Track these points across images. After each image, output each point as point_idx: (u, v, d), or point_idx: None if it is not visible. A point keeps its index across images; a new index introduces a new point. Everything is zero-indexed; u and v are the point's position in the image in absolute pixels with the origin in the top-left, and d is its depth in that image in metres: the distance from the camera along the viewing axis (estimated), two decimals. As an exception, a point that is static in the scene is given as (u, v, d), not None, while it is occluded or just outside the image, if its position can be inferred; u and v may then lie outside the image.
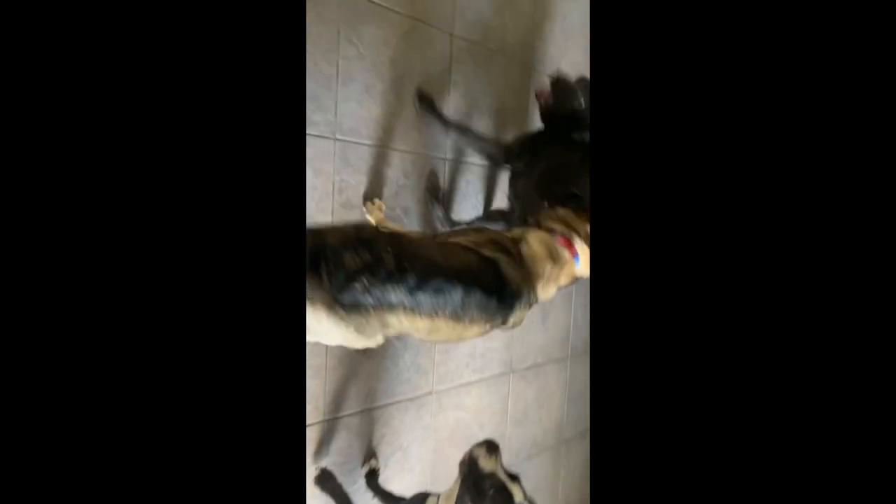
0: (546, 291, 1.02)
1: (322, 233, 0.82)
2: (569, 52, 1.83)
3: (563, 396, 2.06)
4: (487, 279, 0.92)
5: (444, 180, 1.45)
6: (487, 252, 0.96)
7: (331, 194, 1.20)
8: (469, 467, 1.04)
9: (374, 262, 0.80)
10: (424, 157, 1.40)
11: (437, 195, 1.40)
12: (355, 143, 1.24)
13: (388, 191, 1.33)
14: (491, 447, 1.05)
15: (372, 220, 1.27)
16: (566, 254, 1.03)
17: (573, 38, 1.84)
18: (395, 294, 0.82)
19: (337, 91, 1.19)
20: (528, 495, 1.03)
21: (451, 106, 1.45)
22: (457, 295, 0.88)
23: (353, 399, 1.29)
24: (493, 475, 1.01)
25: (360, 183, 1.26)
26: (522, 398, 1.86)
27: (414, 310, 0.84)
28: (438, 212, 1.39)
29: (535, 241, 1.02)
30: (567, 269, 1.04)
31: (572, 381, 2.10)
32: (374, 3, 1.23)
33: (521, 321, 0.99)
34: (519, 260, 0.99)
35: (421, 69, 1.36)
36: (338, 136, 1.20)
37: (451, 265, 0.89)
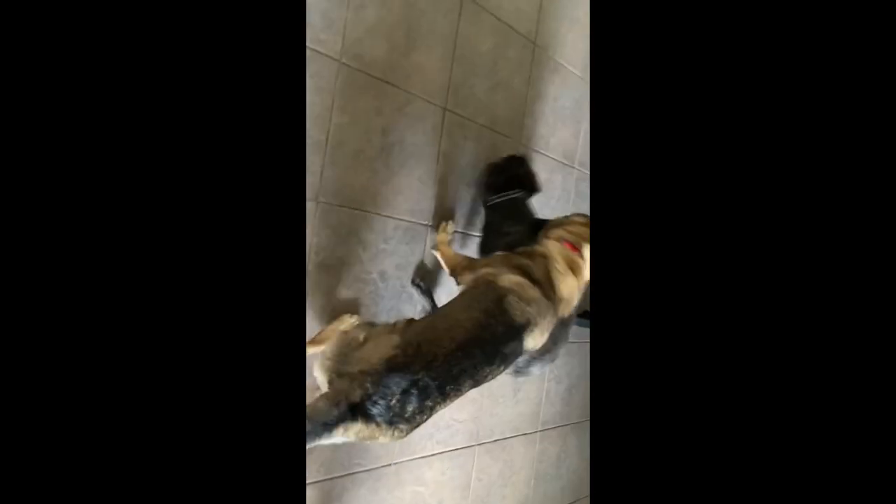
0: (566, 306, 1.16)
1: (356, 378, 0.91)
2: (558, 131, 1.90)
3: (529, 473, 1.98)
4: (495, 331, 1.02)
5: (425, 250, 1.45)
6: (503, 286, 1.07)
7: (308, 256, 1.19)
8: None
9: (413, 386, 0.91)
10: (407, 223, 1.41)
11: (422, 288, 1.44)
12: (338, 206, 1.25)
13: (366, 254, 1.32)
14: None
15: (438, 240, 1.41)
16: (579, 259, 1.16)
17: (563, 119, 1.92)
18: (432, 398, 0.94)
19: (325, 154, 1.21)
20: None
21: (439, 176, 1.48)
22: (475, 366, 0.99)
23: (308, 469, 1.23)
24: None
25: (336, 245, 1.26)
26: (486, 474, 1.78)
27: (448, 397, 0.97)
28: (425, 303, 1.44)
29: (556, 253, 1.16)
30: (583, 273, 1.17)
31: (541, 458, 2.03)
32: (371, 76, 1.28)
33: (538, 345, 1.12)
34: (545, 280, 1.12)
35: (412, 140, 1.40)
36: (321, 199, 1.21)
37: (462, 340, 0.98)
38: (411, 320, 1.09)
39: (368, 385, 0.88)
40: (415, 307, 1.45)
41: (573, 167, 2.00)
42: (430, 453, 1.57)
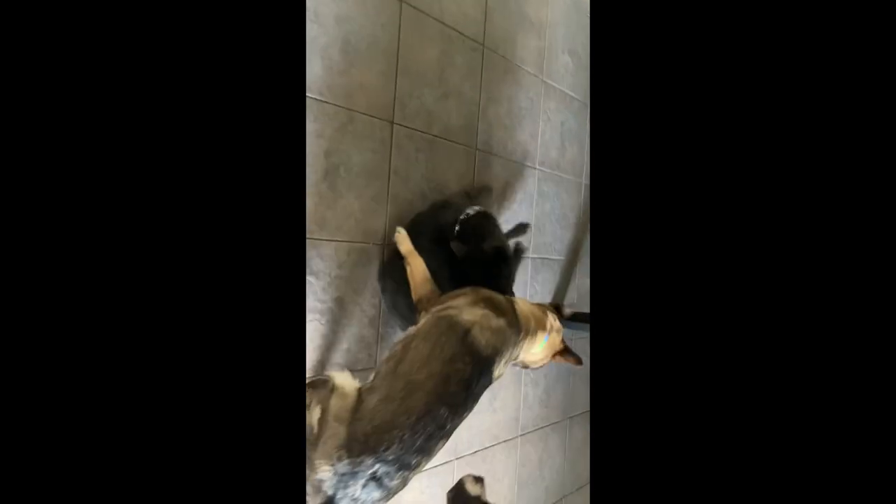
0: (532, 345, 1.18)
1: (313, 482, 0.89)
2: (515, 133, 1.87)
3: (512, 480, 1.97)
4: (463, 374, 1.00)
5: (380, 268, 1.41)
6: (466, 319, 1.05)
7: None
8: (456, 493, 1.15)
9: (371, 479, 0.90)
10: (360, 245, 1.36)
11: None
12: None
13: (319, 283, 1.27)
14: (477, 479, 1.17)
15: (401, 248, 1.31)
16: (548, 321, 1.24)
17: (519, 120, 1.88)
18: (399, 476, 0.93)
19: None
20: None
21: (392, 194, 1.43)
22: (442, 425, 0.98)
23: None
24: (478, 498, 1.12)
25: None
26: (468, 486, 1.76)
27: (418, 466, 0.96)
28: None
29: (522, 303, 1.18)
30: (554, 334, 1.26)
31: (523, 462, 2.02)
32: (308, 98, 1.22)
33: (503, 374, 1.12)
34: (510, 312, 1.12)
35: (358, 159, 1.34)
36: (263, 232, 1.15)
37: (422, 408, 0.95)
38: (369, 389, 1.01)
39: (327, 489, 0.89)
40: (376, 330, 1.41)
41: (534, 168, 1.97)
42: (405, 475, 1.54)
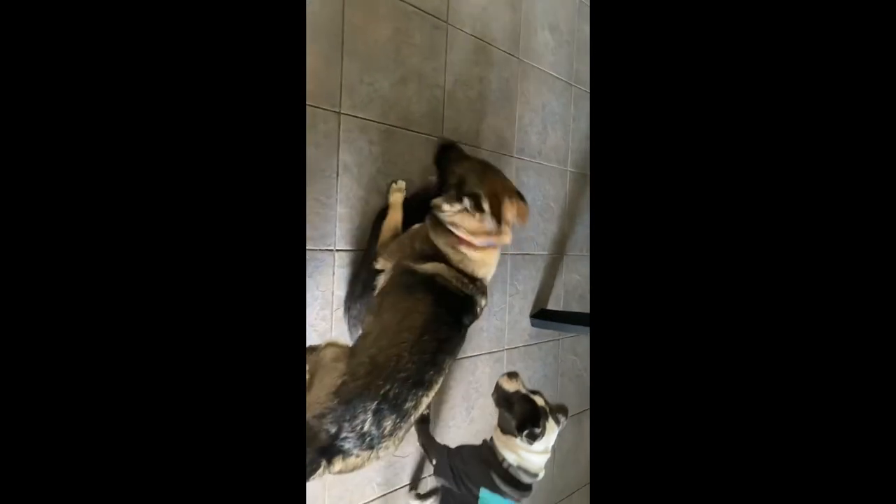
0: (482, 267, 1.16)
1: (313, 423, 0.85)
2: (488, 118, 1.70)
3: (495, 491, 1.85)
4: (448, 314, 1.02)
5: (334, 280, 1.26)
6: (429, 271, 1.06)
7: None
8: (497, 392, 1.31)
9: (383, 401, 0.88)
10: (307, 252, 1.21)
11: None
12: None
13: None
14: (511, 374, 1.32)
15: (390, 198, 1.31)
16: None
17: (492, 104, 1.71)
18: (412, 396, 0.91)
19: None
20: (548, 401, 1.30)
21: (342, 193, 1.27)
22: (447, 339, 0.99)
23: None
24: (516, 392, 1.28)
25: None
26: None
27: (432, 384, 0.95)
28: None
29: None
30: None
31: (506, 472, 1.90)
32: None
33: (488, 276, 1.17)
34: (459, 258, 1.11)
35: (298, 155, 1.19)
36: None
37: (422, 323, 0.95)
38: (362, 336, 1.02)
39: (329, 426, 0.84)
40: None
41: (511, 156, 1.81)
42: (370, 499, 1.42)
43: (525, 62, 1.84)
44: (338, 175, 1.27)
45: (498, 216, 1.09)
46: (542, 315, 1.92)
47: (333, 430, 0.85)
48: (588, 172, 2.20)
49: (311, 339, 1.24)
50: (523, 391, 1.29)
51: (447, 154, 1.24)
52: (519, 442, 1.24)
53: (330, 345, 1.01)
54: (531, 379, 1.99)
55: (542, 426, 1.24)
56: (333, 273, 1.27)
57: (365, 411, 0.86)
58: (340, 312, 1.28)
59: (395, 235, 1.25)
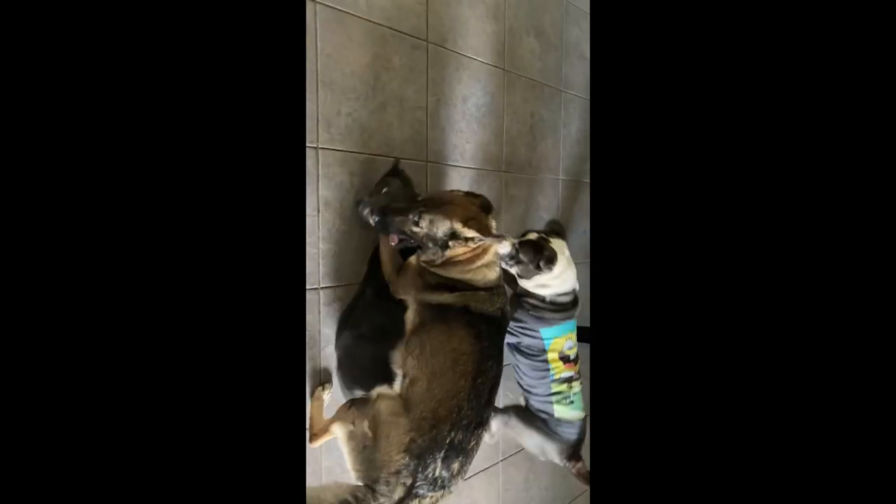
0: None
1: (390, 480, 0.91)
2: (474, 136, 1.65)
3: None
4: (492, 345, 1.07)
5: (320, 318, 1.24)
6: (458, 302, 1.08)
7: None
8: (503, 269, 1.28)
9: (450, 448, 0.94)
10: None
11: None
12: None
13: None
14: (499, 238, 1.15)
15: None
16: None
17: (478, 120, 1.66)
18: (474, 437, 1.00)
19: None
20: (538, 230, 1.44)
21: (324, 230, 1.24)
22: (496, 375, 1.05)
23: None
24: (512, 249, 1.35)
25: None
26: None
27: (488, 420, 1.05)
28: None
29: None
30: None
31: (507, 486, 1.90)
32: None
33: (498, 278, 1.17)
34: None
35: (276, 196, 1.16)
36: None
37: (473, 368, 1.00)
38: (409, 383, 1.03)
39: (406, 480, 0.90)
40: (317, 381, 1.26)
41: (500, 171, 1.77)
42: None
43: (511, 72, 1.79)
44: (318, 212, 1.24)
45: (485, 232, 1.08)
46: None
47: (409, 482, 0.91)
48: (582, 179, 2.16)
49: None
50: (514, 243, 1.34)
51: (389, 218, 1.16)
52: (544, 275, 1.36)
53: (381, 397, 1.04)
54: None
55: (549, 249, 1.34)
56: (319, 311, 1.25)
57: (434, 460, 0.93)
58: (329, 350, 1.26)
59: (390, 262, 1.26)
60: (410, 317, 1.12)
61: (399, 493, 0.91)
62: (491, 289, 1.12)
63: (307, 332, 1.23)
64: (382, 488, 0.92)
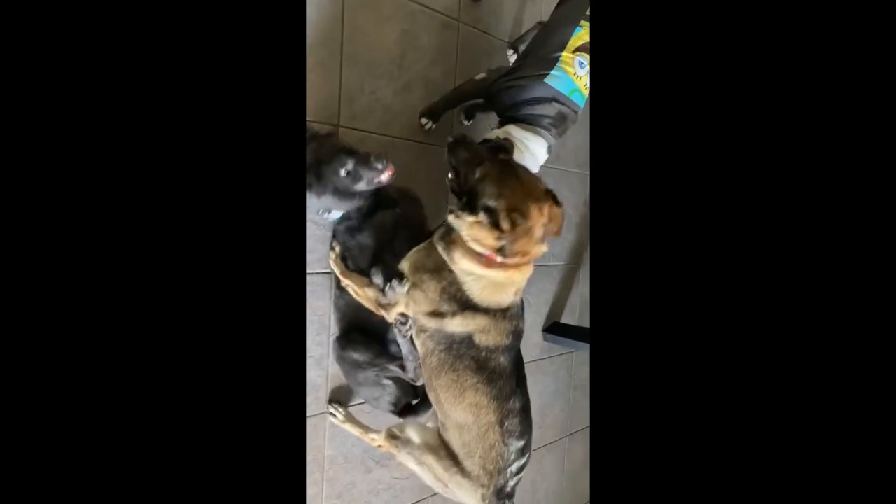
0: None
1: None
2: (502, 124, 1.58)
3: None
4: (500, 369, 1.01)
5: (330, 305, 1.20)
6: (458, 332, 1.01)
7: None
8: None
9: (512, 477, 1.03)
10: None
11: None
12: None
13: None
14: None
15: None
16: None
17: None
18: (524, 460, 1.05)
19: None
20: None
21: (338, 211, 1.19)
22: (529, 424, 1.05)
23: None
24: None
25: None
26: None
27: (529, 450, 1.05)
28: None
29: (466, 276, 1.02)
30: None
31: (513, 489, 1.85)
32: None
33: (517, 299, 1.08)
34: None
35: None
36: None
37: (496, 406, 0.98)
38: (442, 426, 1.06)
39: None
40: (325, 371, 1.22)
41: (527, 163, 1.69)
42: None
43: (545, 59, 1.70)
44: (335, 193, 1.19)
45: (523, 233, 0.91)
46: (554, 329, 1.83)
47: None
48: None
49: (308, 363, 1.19)
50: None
51: (457, 152, 1.04)
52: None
53: (424, 447, 1.09)
54: (541, 394, 1.91)
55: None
56: (330, 297, 1.20)
57: (501, 501, 1.00)
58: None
59: (372, 301, 1.10)
60: (420, 347, 1.05)
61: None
62: (497, 312, 0.99)
63: (318, 319, 1.19)
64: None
